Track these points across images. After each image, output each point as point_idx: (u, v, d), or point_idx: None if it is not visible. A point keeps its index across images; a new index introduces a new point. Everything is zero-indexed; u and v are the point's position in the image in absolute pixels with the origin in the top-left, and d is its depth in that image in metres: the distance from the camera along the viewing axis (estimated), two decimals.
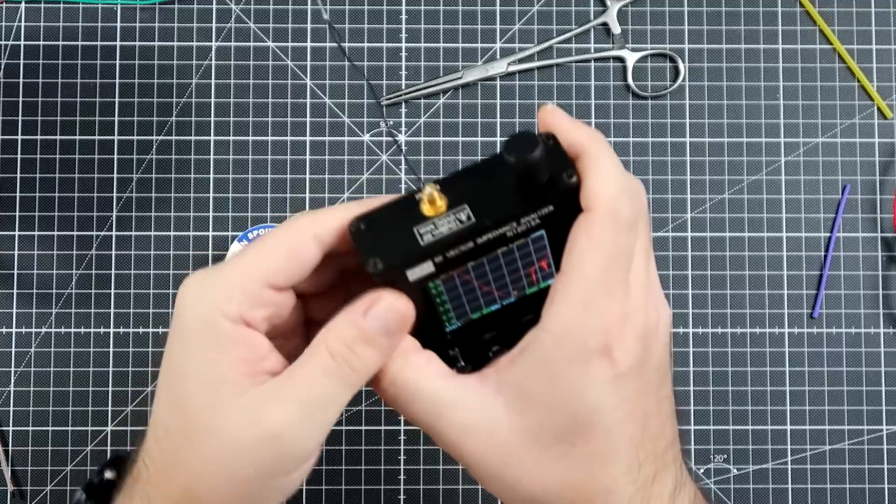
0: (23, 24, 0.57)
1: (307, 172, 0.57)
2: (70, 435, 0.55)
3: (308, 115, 0.57)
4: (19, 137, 0.57)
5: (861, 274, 0.57)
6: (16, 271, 0.56)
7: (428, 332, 0.30)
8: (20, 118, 0.57)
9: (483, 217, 0.28)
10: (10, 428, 0.55)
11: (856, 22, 0.58)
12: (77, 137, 0.57)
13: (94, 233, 0.56)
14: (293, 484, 0.30)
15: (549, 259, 0.30)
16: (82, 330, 0.56)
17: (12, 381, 0.55)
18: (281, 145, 0.57)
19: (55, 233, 0.56)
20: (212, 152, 0.57)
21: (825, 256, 0.57)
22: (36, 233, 0.56)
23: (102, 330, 0.56)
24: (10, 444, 0.55)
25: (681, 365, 0.56)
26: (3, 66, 0.57)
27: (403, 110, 0.57)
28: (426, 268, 0.28)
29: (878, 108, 0.57)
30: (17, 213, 0.56)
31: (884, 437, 0.56)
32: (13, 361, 0.56)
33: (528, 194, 0.28)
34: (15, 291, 0.56)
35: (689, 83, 0.58)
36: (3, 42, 0.57)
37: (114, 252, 0.56)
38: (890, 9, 0.58)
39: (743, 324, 0.57)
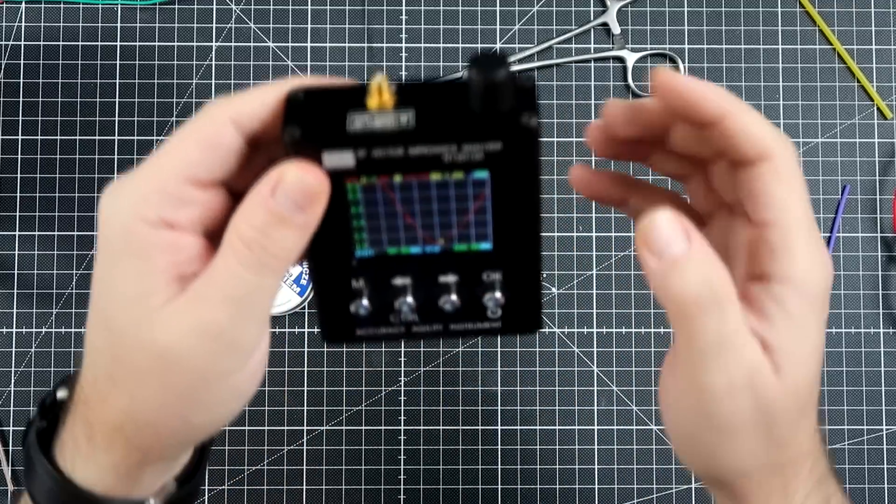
0: (23, 24, 0.57)
1: None
2: None
3: None
4: (19, 137, 0.57)
5: (861, 274, 0.57)
6: (16, 271, 0.56)
7: (332, 249, 0.28)
8: (20, 118, 0.57)
9: (424, 126, 0.25)
10: (10, 428, 0.55)
11: (856, 22, 0.58)
12: (77, 137, 0.57)
13: (95, 233, 0.56)
14: (244, 386, 0.28)
15: (487, 216, 0.27)
16: (82, 330, 0.56)
17: (12, 381, 0.55)
18: None
19: (55, 233, 0.56)
20: None
21: None
22: (36, 233, 0.56)
23: None
24: (10, 444, 0.55)
25: None
26: (3, 66, 0.57)
27: None
28: (346, 158, 0.25)
29: (878, 109, 0.57)
30: (18, 213, 0.56)
31: (884, 437, 0.56)
32: (13, 361, 0.56)
33: (481, 121, 0.25)
34: (15, 291, 0.56)
35: None
36: (3, 42, 0.57)
37: None
38: (890, 9, 0.58)
39: None
